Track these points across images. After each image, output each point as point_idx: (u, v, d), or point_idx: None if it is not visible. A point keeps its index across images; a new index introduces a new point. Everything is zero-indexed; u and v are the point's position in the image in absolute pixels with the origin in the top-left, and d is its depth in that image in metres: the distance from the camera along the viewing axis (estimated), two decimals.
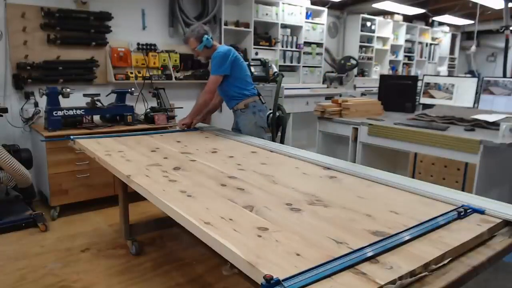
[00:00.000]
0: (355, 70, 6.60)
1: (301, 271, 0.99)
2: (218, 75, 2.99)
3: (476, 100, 3.79)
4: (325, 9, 6.05)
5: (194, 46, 3.00)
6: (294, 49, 5.73)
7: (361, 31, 6.68)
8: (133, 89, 3.89)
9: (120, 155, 2.26)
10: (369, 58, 7.05)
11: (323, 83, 6.32)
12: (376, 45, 7.09)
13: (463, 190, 2.73)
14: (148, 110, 3.99)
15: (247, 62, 4.04)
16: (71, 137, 2.70)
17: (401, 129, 3.18)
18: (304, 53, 5.89)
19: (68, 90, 3.42)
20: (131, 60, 4.21)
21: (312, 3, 5.95)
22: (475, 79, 3.87)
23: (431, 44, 8.58)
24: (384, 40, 7.31)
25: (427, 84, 4.06)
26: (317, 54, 6.13)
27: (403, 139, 3.14)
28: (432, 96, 4.01)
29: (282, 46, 5.57)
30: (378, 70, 7.24)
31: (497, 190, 3.01)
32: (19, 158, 3.21)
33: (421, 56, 8.37)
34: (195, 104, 3.16)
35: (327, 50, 6.50)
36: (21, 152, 3.32)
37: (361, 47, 6.80)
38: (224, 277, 2.45)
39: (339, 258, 1.06)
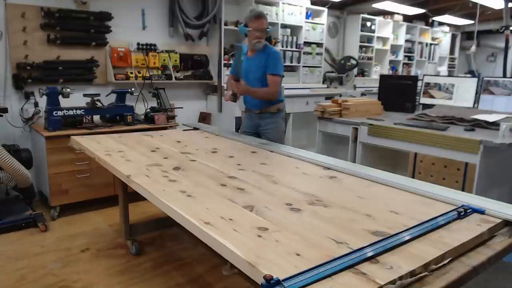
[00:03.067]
0: (355, 70, 6.60)
1: (301, 271, 0.99)
2: (280, 77, 2.90)
3: (476, 100, 3.79)
4: (325, 9, 6.05)
5: (266, 27, 2.86)
6: (294, 49, 5.73)
7: (361, 31, 6.68)
8: (133, 89, 3.89)
9: (120, 155, 2.26)
10: (369, 58, 7.05)
11: (323, 83, 6.32)
12: (376, 45, 7.09)
13: (463, 190, 2.73)
14: (148, 110, 3.99)
15: None
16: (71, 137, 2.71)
17: (401, 129, 3.18)
18: (304, 53, 5.88)
19: (68, 90, 3.42)
20: (131, 60, 4.21)
21: (312, 3, 5.95)
22: (475, 79, 3.87)
23: (431, 44, 8.58)
24: (384, 40, 7.31)
25: (427, 84, 4.06)
26: (317, 54, 6.13)
27: (403, 139, 3.14)
28: (432, 96, 4.01)
29: (282, 46, 5.57)
30: (378, 70, 7.24)
31: (497, 190, 3.01)
32: (19, 158, 3.21)
33: (421, 56, 8.37)
34: (256, 90, 2.93)
35: (327, 50, 6.50)
36: (21, 152, 3.32)
37: (361, 47, 6.80)
38: (224, 277, 2.45)
39: (339, 258, 1.07)
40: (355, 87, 6.56)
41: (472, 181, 2.75)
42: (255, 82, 2.91)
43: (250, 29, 2.84)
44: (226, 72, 4.85)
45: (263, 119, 3.00)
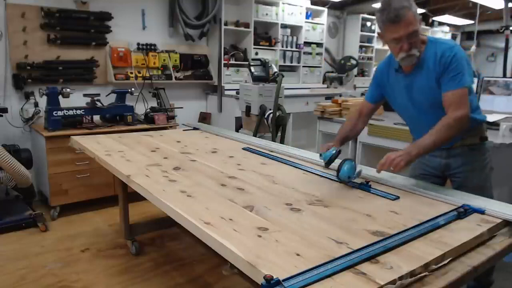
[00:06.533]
0: (355, 70, 6.60)
1: (301, 271, 0.99)
2: (468, 88, 1.75)
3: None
4: (325, 9, 6.05)
5: (416, 27, 1.68)
6: (294, 49, 5.73)
7: (361, 31, 6.68)
8: (133, 89, 3.89)
9: (120, 155, 2.26)
10: (369, 58, 7.05)
11: (323, 83, 6.32)
12: (376, 45, 7.08)
13: None
14: (148, 110, 3.99)
15: (247, 62, 4.04)
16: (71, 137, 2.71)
17: (401, 129, 3.18)
18: (304, 53, 5.88)
19: (68, 90, 3.42)
20: (131, 60, 4.21)
21: (312, 3, 5.95)
22: (475, 79, 3.87)
23: None
24: None
25: None
26: (317, 54, 6.13)
27: (403, 139, 3.14)
28: None
29: (282, 46, 5.57)
30: None
31: (497, 190, 3.00)
32: (19, 158, 3.21)
33: None
34: (434, 134, 1.68)
35: (327, 50, 6.50)
36: (21, 152, 3.32)
37: (361, 47, 6.80)
38: (224, 277, 2.45)
39: (339, 258, 1.07)
40: (355, 87, 6.55)
41: None
42: (429, 111, 1.83)
43: (383, 40, 1.79)
44: (226, 72, 4.86)
45: (455, 157, 1.92)
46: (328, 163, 1.74)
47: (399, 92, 1.91)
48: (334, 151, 1.74)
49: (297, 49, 5.77)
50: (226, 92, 4.79)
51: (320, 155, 1.81)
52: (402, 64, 1.81)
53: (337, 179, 1.76)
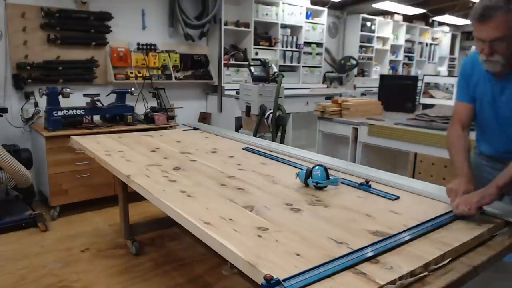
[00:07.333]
0: (355, 70, 6.60)
1: (301, 271, 0.99)
2: None
3: None
4: (325, 9, 6.05)
5: (504, 34, 1.43)
6: (294, 49, 5.73)
7: (361, 31, 6.69)
8: (133, 89, 3.89)
9: (120, 155, 2.26)
10: (369, 58, 7.05)
11: (323, 83, 6.33)
12: (376, 45, 7.09)
13: None
14: (148, 110, 3.99)
15: (247, 62, 4.04)
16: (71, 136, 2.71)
17: (401, 129, 3.18)
18: (304, 53, 5.89)
19: (68, 90, 3.42)
20: (131, 60, 4.21)
21: (312, 3, 5.95)
22: None
23: (431, 44, 8.58)
24: (384, 40, 7.31)
25: (427, 84, 4.06)
26: (317, 54, 6.13)
27: (403, 139, 3.14)
28: (432, 96, 4.01)
29: (282, 46, 5.57)
30: (378, 70, 7.24)
31: None
32: (19, 158, 3.21)
33: (421, 56, 8.37)
34: None
35: (327, 50, 6.50)
36: (21, 152, 3.32)
37: (361, 47, 6.81)
38: (224, 277, 2.45)
39: (339, 258, 1.07)
40: (355, 87, 6.56)
41: None
42: (510, 128, 1.64)
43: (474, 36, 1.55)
44: (226, 72, 4.86)
45: None
46: (306, 181, 1.72)
47: (482, 94, 1.65)
48: (305, 170, 1.74)
49: (297, 49, 5.77)
50: (226, 92, 4.79)
51: (296, 175, 1.79)
52: (483, 67, 1.57)
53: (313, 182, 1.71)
